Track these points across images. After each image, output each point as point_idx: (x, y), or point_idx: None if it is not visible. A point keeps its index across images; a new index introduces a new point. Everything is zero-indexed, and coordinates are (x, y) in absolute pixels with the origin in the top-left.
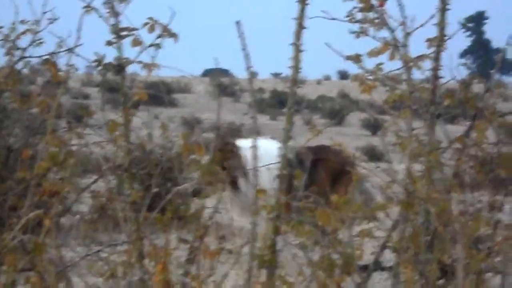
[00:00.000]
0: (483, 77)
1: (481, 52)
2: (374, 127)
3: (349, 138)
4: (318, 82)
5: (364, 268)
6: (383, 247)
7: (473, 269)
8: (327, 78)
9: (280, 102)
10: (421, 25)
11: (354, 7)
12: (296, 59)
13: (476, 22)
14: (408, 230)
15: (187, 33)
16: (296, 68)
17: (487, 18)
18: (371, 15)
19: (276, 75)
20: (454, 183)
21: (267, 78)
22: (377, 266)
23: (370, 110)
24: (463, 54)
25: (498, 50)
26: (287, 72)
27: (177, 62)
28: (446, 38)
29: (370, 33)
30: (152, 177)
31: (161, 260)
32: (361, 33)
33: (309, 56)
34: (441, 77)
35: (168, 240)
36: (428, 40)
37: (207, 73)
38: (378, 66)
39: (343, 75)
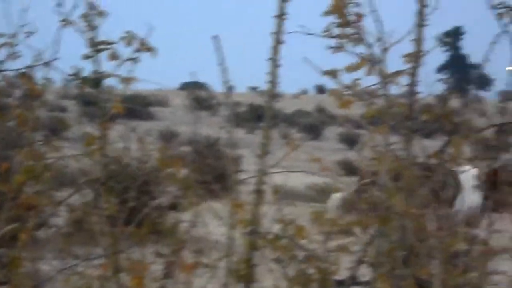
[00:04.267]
0: (460, 92)
1: (458, 67)
2: (351, 141)
3: (326, 152)
4: (295, 96)
5: (340, 283)
6: (359, 262)
7: (449, 284)
8: (305, 92)
9: (257, 116)
10: (398, 41)
11: (332, 23)
12: (273, 74)
13: (453, 37)
14: (385, 245)
15: (165, 46)
16: (273, 83)
17: (463, 33)
18: (348, 30)
19: (253, 89)
20: (431, 198)
21: (244, 92)
22: (353, 281)
23: (347, 124)
24: (440, 69)
25: (474, 66)
26: (264, 86)
27: (155, 75)
28: (422, 53)
29: (348, 49)
30: (128, 191)
31: (137, 274)
32: (338, 48)
33: (286, 70)
34: (418, 93)
35: (144, 254)
36: (405, 55)
37: (185, 86)
38: (356, 81)
39: (320, 90)
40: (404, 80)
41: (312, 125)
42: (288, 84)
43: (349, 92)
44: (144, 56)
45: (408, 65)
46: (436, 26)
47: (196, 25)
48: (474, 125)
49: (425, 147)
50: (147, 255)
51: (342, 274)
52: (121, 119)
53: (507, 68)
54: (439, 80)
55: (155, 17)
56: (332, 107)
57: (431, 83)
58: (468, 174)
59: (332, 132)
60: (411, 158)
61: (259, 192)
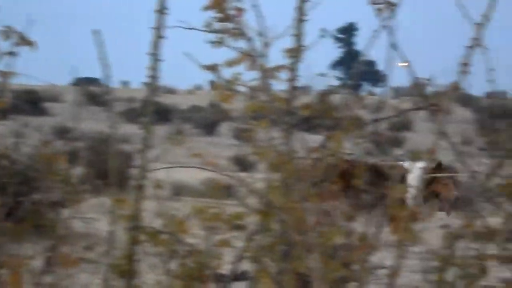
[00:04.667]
0: (353, 88)
1: (352, 63)
2: (252, 138)
3: (220, 148)
4: (190, 92)
5: (224, 277)
6: (241, 256)
7: (328, 278)
8: (199, 88)
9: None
10: (280, 36)
11: (212, 17)
12: (154, 69)
13: (346, 33)
14: (266, 240)
15: (55, 41)
16: (154, 77)
17: (357, 30)
18: (228, 25)
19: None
20: (310, 192)
21: (139, 88)
22: (236, 276)
23: (240, 120)
24: (334, 65)
25: (368, 62)
26: (159, 81)
27: (47, 71)
28: (303, 48)
29: (228, 43)
30: (15, 186)
31: (15, 270)
32: (219, 43)
33: (179, 66)
34: (298, 87)
35: (23, 250)
36: (286, 50)
37: (77, 82)
38: (236, 76)
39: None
40: (284, 75)
41: (207, 121)
42: (183, 80)
43: (231, 87)
44: (35, 51)
45: (289, 60)
46: (330, 22)
47: (93, 19)
48: (357, 120)
49: (307, 142)
50: (29, 251)
51: (228, 268)
52: (13, 114)
53: (399, 64)
54: (333, 76)
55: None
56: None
57: (314, 78)
58: (414, 169)
59: (226, 127)
60: (291, 152)
61: (140, 187)
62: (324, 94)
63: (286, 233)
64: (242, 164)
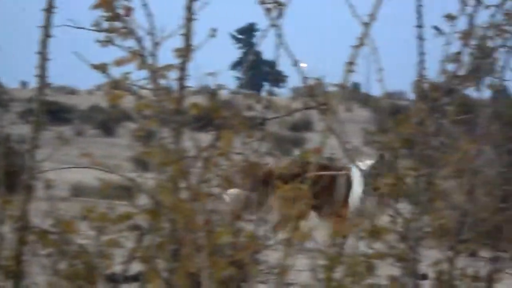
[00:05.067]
0: (253, 88)
1: (252, 64)
2: (144, 137)
3: (120, 148)
4: (90, 92)
5: (114, 278)
6: (132, 257)
7: (216, 277)
8: (99, 88)
9: (49, 112)
10: (170, 35)
11: (100, 16)
12: (42, 68)
13: (246, 34)
14: (156, 240)
15: None
16: (42, 77)
17: (257, 30)
18: (117, 24)
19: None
20: (200, 191)
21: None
22: (127, 276)
23: (141, 120)
24: (234, 66)
25: (268, 62)
26: (55, 81)
27: None
28: (192, 48)
29: (117, 43)
30: None
31: None
32: (107, 42)
33: (79, 66)
34: (187, 87)
35: None
36: (175, 50)
37: None
38: (125, 75)
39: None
40: (174, 74)
41: (106, 121)
42: (83, 80)
43: (119, 86)
44: None
45: (178, 60)
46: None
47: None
48: (246, 119)
49: (198, 141)
50: None
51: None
52: None
53: (301, 65)
54: (233, 76)
55: None
56: (125, 103)
57: (204, 78)
58: (359, 169)
59: (126, 128)
60: (181, 151)
61: (28, 188)
62: (213, 94)
63: (176, 233)
64: (143, 164)
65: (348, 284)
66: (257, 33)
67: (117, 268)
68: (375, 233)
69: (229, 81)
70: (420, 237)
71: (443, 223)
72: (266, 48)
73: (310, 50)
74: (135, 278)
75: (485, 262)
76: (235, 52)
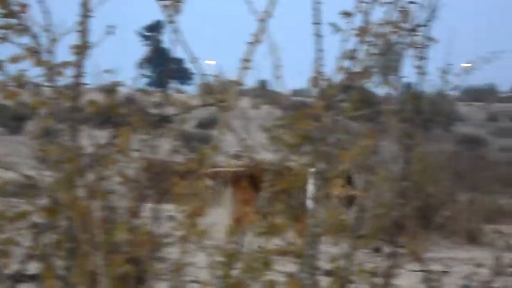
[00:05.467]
0: (160, 86)
1: (159, 61)
2: (42, 135)
3: (26, 146)
4: None
5: (13, 277)
6: (29, 255)
7: (112, 274)
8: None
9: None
10: (67, 32)
11: None
12: None
13: (153, 31)
14: (53, 237)
15: None
16: None
17: (164, 27)
18: (13, 21)
19: None
20: (96, 189)
21: None
22: (24, 276)
23: (37, 117)
24: (141, 64)
25: (176, 60)
26: None
27: None
28: (88, 45)
29: (13, 39)
30: None
31: None
32: (2, 39)
33: None
34: (83, 84)
35: None
36: (72, 47)
37: None
38: (21, 72)
39: None
40: (70, 71)
41: (12, 119)
42: None
43: (15, 83)
44: None
45: (75, 57)
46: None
47: None
48: (144, 117)
49: (96, 138)
50: None
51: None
52: None
53: (206, 62)
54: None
55: None
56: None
57: (99, 74)
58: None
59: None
60: (77, 148)
61: None
62: (111, 91)
63: (73, 230)
64: (43, 162)
65: (247, 280)
66: (164, 30)
67: (15, 267)
68: (273, 230)
69: (135, 79)
70: (317, 233)
71: (341, 219)
72: (175, 45)
73: (220, 47)
74: (33, 277)
75: (383, 258)
76: (142, 50)
